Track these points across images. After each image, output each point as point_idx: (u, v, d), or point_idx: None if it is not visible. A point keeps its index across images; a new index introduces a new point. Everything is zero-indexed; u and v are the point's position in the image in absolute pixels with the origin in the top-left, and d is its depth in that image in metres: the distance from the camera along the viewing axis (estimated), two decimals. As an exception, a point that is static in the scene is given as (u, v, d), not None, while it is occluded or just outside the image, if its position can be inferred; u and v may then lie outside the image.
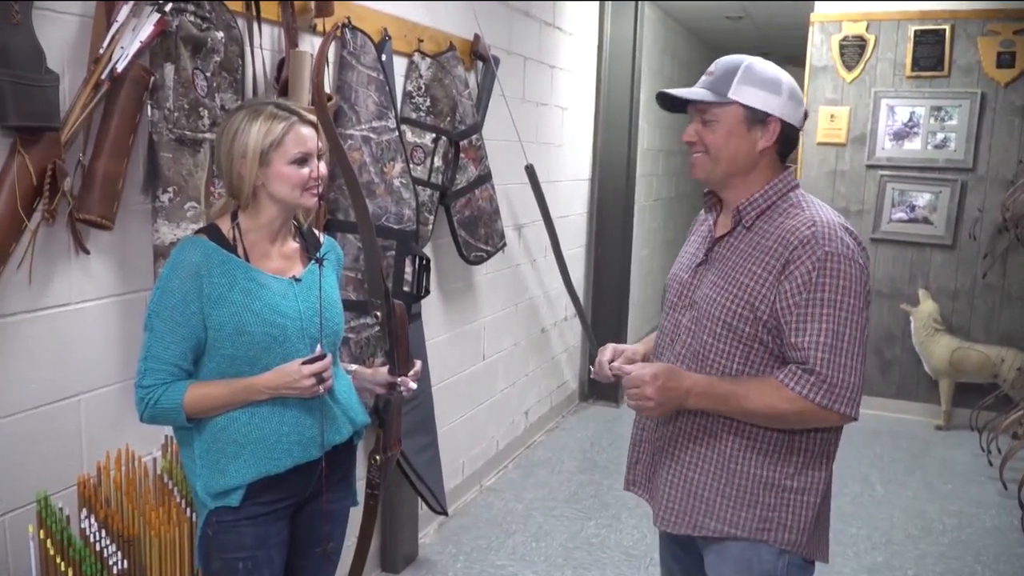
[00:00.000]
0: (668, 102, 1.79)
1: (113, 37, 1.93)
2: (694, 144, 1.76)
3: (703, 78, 1.77)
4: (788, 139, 1.74)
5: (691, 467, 1.77)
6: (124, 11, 1.94)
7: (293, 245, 1.94)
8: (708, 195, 1.87)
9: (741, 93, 1.69)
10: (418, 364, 2.06)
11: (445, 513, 3.45)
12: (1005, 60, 5.16)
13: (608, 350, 1.88)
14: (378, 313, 1.96)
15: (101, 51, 1.92)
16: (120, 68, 1.93)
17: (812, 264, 1.61)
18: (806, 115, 1.79)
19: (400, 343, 1.99)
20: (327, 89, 2.69)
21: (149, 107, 2.04)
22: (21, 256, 1.83)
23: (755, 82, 1.70)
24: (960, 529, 3.95)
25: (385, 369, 2.05)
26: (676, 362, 1.78)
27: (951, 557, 3.66)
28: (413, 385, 2.03)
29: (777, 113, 1.70)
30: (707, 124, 1.73)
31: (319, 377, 1.80)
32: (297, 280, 1.89)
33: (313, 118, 1.86)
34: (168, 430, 2.14)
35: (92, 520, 1.93)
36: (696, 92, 1.74)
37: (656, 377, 1.63)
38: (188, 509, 2.08)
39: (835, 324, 1.60)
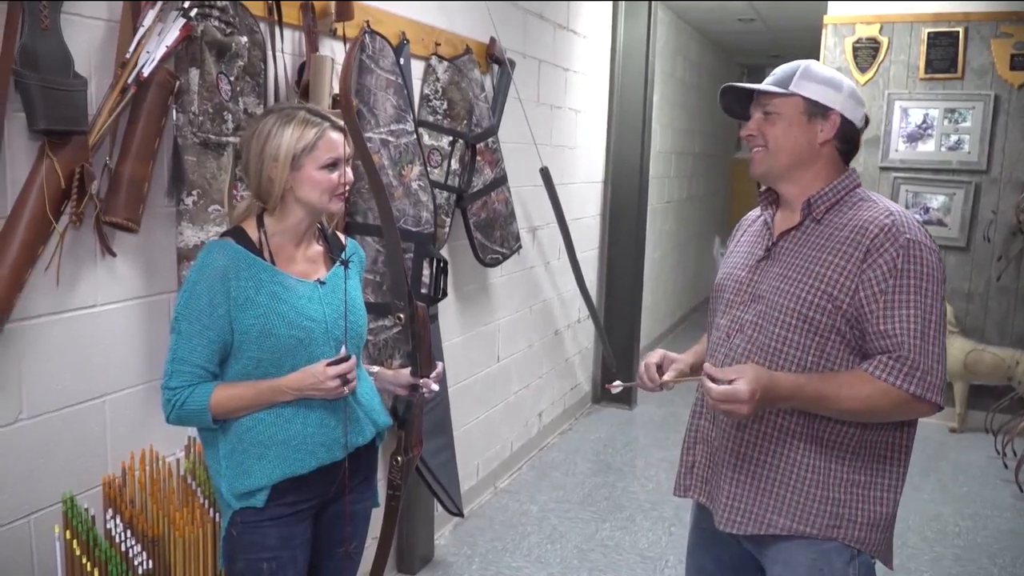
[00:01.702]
0: (730, 106, 1.84)
1: (139, 42, 1.95)
2: (753, 138, 1.78)
3: (765, 80, 1.80)
4: (849, 138, 1.76)
5: (759, 465, 1.75)
6: (150, 16, 1.96)
7: (317, 248, 1.96)
8: (765, 193, 1.87)
9: (802, 87, 1.72)
10: (440, 366, 2.07)
11: (461, 514, 3.47)
12: (1018, 62, 5.15)
13: (657, 355, 1.86)
14: (401, 315, 1.98)
15: (127, 56, 1.94)
16: (146, 72, 1.95)
17: (896, 251, 1.62)
18: (867, 120, 1.80)
19: (423, 345, 2.00)
20: (346, 92, 2.70)
21: (174, 111, 2.06)
22: (49, 258, 1.85)
23: (815, 78, 1.73)
24: (976, 532, 3.94)
25: (407, 371, 2.07)
26: (734, 356, 1.76)
27: (967, 560, 3.65)
28: (435, 387, 2.05)
29: (837, 107, 1.72)
30: (768, 116, 1.75)
31: (344, 378, 1.81)
32: (322, 283, 1.90)
33: (342, 123, 1.88)
34: (191, 431, 2.16)
35: (117, 520, 1.95)
36: (760, 86, 1.77)
37: (754, 393, 1.56)
38: (211, 510, 2.10)
39: (923, 311, 1.60)
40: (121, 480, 2.03)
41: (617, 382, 1.93)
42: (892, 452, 1.73)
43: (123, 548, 1.93)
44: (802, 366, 1.69)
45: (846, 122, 1.73)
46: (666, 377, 1.82)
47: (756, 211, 1.93)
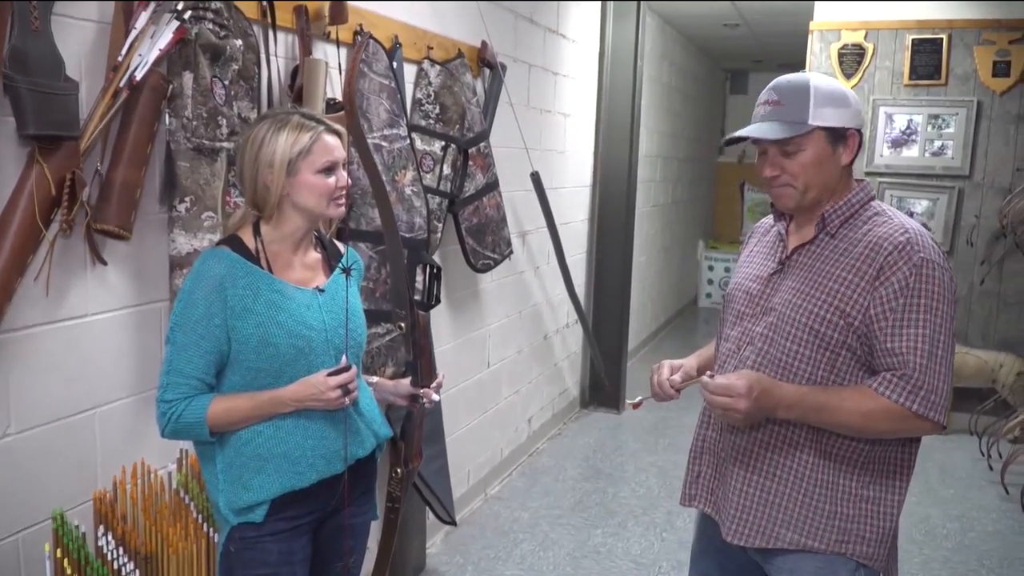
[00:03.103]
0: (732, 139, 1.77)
1: (131, 44, 1.90)
2: (776, 178, 1.70)
3: (766, 108, 1.70)
4: (859, 146, 1.73)
5: (768, 477, 1.73)
6: (143, 18, 1.91)
7: (315, 255, 1.91)
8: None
9: (821, 116, 1.65)
10: (441, 375, 2.04)
11: (454, 523, 3.42)
12: (1001, 69, 5.19)
13: (665, 367, 1.84)
14: (402, 324, 1.94)
15: (119, 59, 1.88)
16: (139, 76, 1.89)
17: (909, 270, 1.60)
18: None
19: (424, 354, 1.97)
20: (338, 97, 2.66)
21: (167, 115, 2.01)
22: (38, 267, 1.80)
23: (828, 101, 1.66)
24: (963, 534, 3.95)
25: (407, 381, 2.03)
26: (743, 368, 1.74)
27: (956, 562, 3.66)
28: (436, 397, 2.01)
29: (853, 125, 1.69)
30: (790, 155, 1.68)
31: (345, 388, 1.77)
32: (321, 291, 1.86)
33: (337, 127, 1.84)
34: (183, 443, 2.11)
35: (109, 537, 1.90)
36: (775, 128, 1.67)
37: (751, 390, 1.57)
38: (205, 524, 2.05)
39: (932, 330, 1.59)
40: (112, 495, 1.97)
41: (639, 397, 1.90)
42: (899, 467, 1.72)
43: (115, 566, 1.88)
44: (812, 380, 1.67)
45: (859, 134, 1.71)
46: (675, 377, 1.81)
47: (769, 219, 1.90)
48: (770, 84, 1.73)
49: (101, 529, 1.91)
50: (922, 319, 1.59)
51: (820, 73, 1.70)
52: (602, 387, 5.50)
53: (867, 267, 1.64)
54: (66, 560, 1.80)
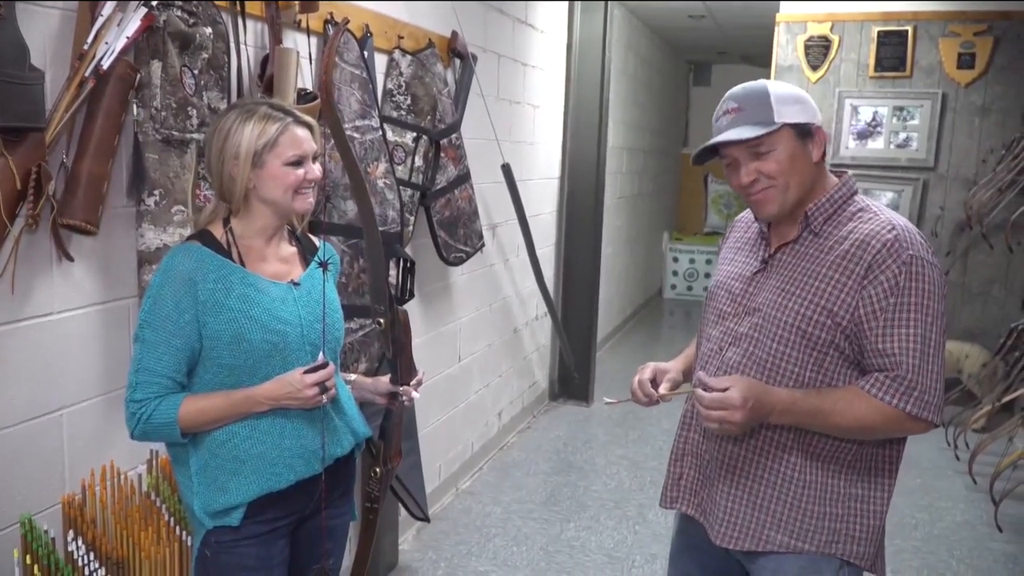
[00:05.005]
0: (700, 155, 1.73)
1: (98, 32, 1.83)
2: (755, 182, 1.67)
3: (728, 117, 1.67)
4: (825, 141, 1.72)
5: (755, 480, 1.71)
6: (109, 5, 1.84)
7: (290, 249, 1.87)
8: None
9: (785, 114, 1.63)
10: (421, 373, 2.00)
11: (427, 519, 3.39)
12: (966, 61, 5.26)
13: (648, 370, 1.81)
14: (381, 320, 1.90)
15: (85, 47, 1.82)
16: (105, 65, 1.83)
17: (898, 268, 1.58)
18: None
19: (404, 351, 1.93)
20: (309, 87, 2.61)
21: (135, 106, 1.94)
22: (3, 265, 1.72)
23: (788, 100, 1.64)
24: (932, 524, 4.00)
25: (386, 378, 1.99)
26: (727, 369, 1.72)
27: (926, 552, 3.71)
28: (416, 395, 1.97)
29: (816, 121, 1.67)
30: (763, 156, 1.64)
31: (322, 386, 1.72)
32: (296, 285, 1.81)
33: (308, 119, 1.79)
34: (153, 444, 2.05)
35: (79, 542, 1.83)
36: (743, 131, 1.64)
37: (746, 400, 1.54)
38: (178, 528, 1.99)
39: (923, 329, 1.57)
40: (81, 499, 1.91)
41: (616, 398, 1.86)
42: (886, 464, 1.72)
43: (87, 572, 1.82)
44: (799, 381, 1.66)
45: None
46: (661, 390, 1.78)
47: (749, 213, 1.88)
48: (726, 95, 1.71)
49: (71, 534, 1.84)
50: (913, 318, 1.57)
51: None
52: (571, 380, 5.50)
53: (855, 265, 1.61)
54: (36, 566, 1.74)
